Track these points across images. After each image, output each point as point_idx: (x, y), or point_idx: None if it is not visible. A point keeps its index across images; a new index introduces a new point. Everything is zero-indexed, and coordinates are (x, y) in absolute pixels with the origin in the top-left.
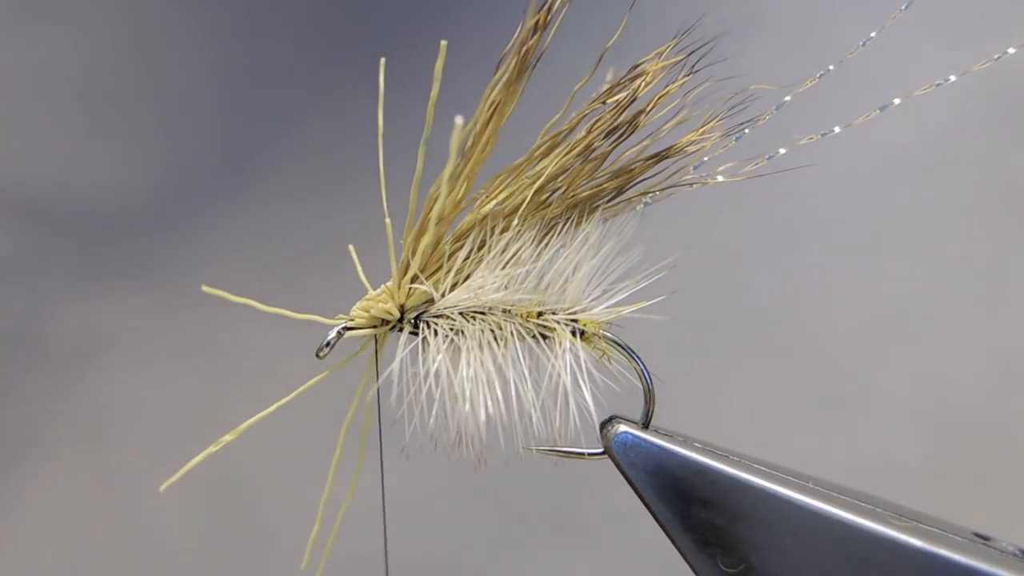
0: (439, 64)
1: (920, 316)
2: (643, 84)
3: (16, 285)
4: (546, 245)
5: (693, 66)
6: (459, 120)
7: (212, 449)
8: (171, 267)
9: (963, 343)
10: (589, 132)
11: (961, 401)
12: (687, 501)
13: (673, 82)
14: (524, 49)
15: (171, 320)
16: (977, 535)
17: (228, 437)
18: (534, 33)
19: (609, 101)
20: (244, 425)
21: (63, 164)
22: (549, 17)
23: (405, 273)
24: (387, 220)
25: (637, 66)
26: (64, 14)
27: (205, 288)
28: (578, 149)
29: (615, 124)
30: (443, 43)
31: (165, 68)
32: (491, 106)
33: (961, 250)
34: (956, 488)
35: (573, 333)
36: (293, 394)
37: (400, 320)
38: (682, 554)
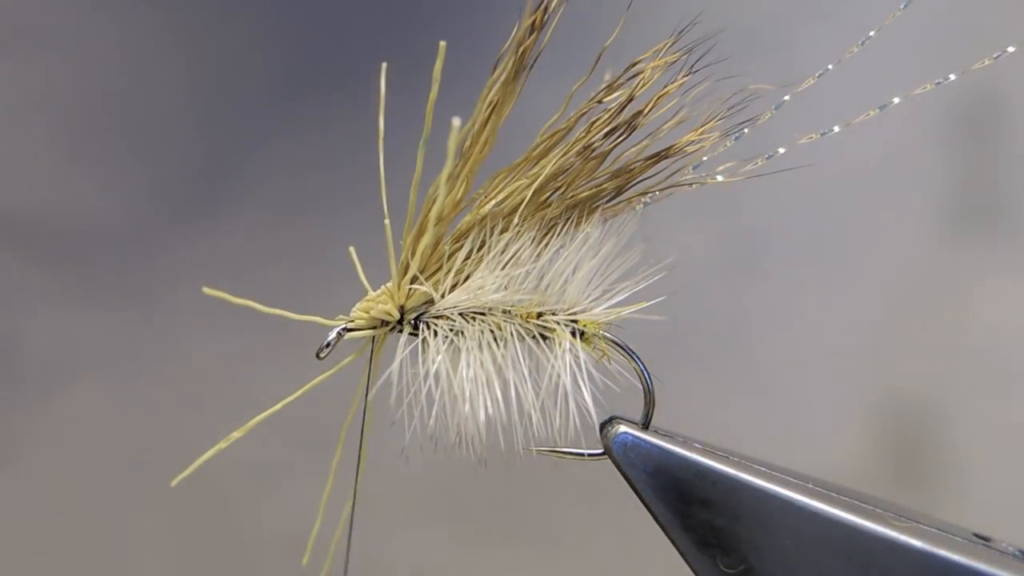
0: (438, 65)
1: (873, 326)
2: (641, 83)
3: None
4: (546, 245)
5: (692, 65)
6: (456, 121)
7: (222, 445)
8: (151, 283)
9: (919, 354)
10: (588, 131)
11: (916, 410)
12: (687, 501)
13: (672, 82)
14: (521, 49)
15: (150, 337)
16: (977, 535)
17: (236, 434)
18: (531, 32)
19: (606, 100)
20: (253, 422)
21: (38, 183)
22: (546, 17)
23: (405, 274)
24: (386, 221)
25: (634, 64)
26: (39, 39)
27: (206, 290)
28: (577, 148)
29: (614, 124)
30: (442, 44)
31: (138, 85)
32: (489, 106)
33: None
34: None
35: (573, 334)
36: (297, 393)
37: (400, 321)
38: (682, 555)
